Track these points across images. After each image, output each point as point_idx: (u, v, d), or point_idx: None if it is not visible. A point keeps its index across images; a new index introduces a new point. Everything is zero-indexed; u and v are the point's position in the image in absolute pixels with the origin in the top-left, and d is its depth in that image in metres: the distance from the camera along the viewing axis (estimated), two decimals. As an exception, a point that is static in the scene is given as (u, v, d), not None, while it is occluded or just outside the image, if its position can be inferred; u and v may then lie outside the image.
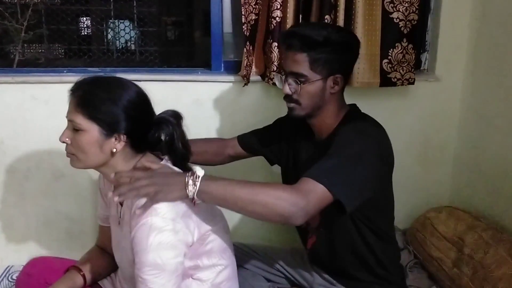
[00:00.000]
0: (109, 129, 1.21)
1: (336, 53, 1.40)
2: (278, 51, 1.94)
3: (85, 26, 2.78)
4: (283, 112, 1.81)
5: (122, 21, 2.68)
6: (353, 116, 1.50)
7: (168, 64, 2.56)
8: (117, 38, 2.68)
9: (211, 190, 1.16)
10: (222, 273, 1.32)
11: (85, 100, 1.20)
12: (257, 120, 2.03)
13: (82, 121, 1.20)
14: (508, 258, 1.61)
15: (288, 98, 1.46)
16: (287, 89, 1.43)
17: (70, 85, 1.94)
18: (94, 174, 2.06)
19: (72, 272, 1.46)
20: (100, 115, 1.20)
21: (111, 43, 2.75)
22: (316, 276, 1.64)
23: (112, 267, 1.54)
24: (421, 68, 2.20)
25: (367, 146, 1.35)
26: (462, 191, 2.19)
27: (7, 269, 2.14)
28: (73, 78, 1.96)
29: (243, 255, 1.73)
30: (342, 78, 1.44)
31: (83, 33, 2.86)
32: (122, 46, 2.72)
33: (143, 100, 1.27)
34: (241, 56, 2.05)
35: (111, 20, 2.70)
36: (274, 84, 1.97)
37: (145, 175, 1.16)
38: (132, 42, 2.73)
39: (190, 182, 1.14)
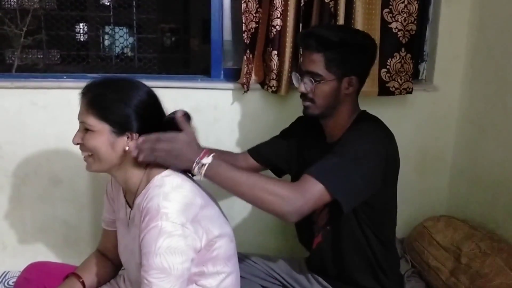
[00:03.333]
0: (121, 128, 1.22)
1: (351, 54, 1.43)
2: (278, 59, 1.95)
3: (83, 32, 2.79)
4: (282, 119, 1.84)
5: (121, 27, 2.69)
6: (363, 118, 1.52)
7: (166, 70, 2.57)
8: (117, 45, 2.68)
9: (215, 173, 1.25)
10: (226, 280, 1.32)
11: (96, 101, 1.22)
12: (256, 128, 2.07)
13: (94, 122, 1.21)
14: (506, 268, 1.62)
15: (303, 96, 1.49)
16: (302, 88, 1.47)
17: (69, 91, 2.01)
18: (92, 180, 2.10)
19: (71, 279, 1.46)
20: (111, 115, 1.21)
21: (108, 50, 2.76)
22: (314, 283, 1.64)
23: (112, 274, 1.54)
24: (419, 77, 2.22)
25: (372, 146, 1.38)
26: (459, 200, 2.20)
27: (4, 275, 2.12)
28: (72, 83, 2.04)
29: (240, 263, 1.72)
30: (357, 80, 1.47)
31: (81, 39, 2.87)
32: (120, 52, 2.73)
33: (153, 100, 1.29)
34: (240, 63, 2.06)
35: (110, 27, 2.71)
36: (273, 92, 1.99)
37: (167, 141, 1.21)
38: (128, 48, 2.73)
39: (196, 169, 1.23)
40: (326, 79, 1.43)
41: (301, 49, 1.51)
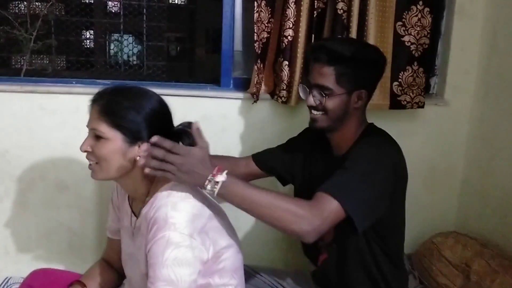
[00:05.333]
0: (133, 137, 1.21)
1: (362, 69, 1.42)
2: (289, 70, 1.94)
3: (92, 38, 2.79)
4: (291, 130, 1.82)
5: (130, 35, 2.69)
6: (371, 132, 1.51)
7: (175, 79, 2.56)
8: (125, 52, 2.68)
9: (230, 191, 1.20)
10: None
11: (109, 108, 1.21)
12: (264, 138, 2.05)
13: (106, 129, 1.19)
14: (517, 287, 1.59)
15: (312, 109, 1.47)
16: (311, 101, 1.44)
17: (78, 96, 2.01)
18: (98, 186, 2.08)
19: (75, 287, 1.43)
20: (124, 123, 1.20)
21: (116, 56, 2.75)
22: (321, 298, 1.62)
23: (117, 283, 1.52)
24: (430, 92, 2.21)
25: (382, 162, 1.36)
26: (468, 217, 2.17)
27: (6, 280, 2.09)
28: (81, 89, 2.04)
29: (246, 276, 1.70)
30: (366, 93, 1.46)
31: (89, 46, 2.87)
32: (128, 59, 2.73)
33: (164, 109, 1.28)
34: (250, 73, 2.05)
35: (118, 34, 2.71)
36: (283, 102, 1.98)
37: (179, 153, 1.16)
38: (135, 55, 2.73)
39: (209, 186, 1.18)
40: (336, 93, 1.41)
41: (311, 62, 1.48)
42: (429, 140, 2.17)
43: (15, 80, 2.11)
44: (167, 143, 1.16)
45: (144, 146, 1.21)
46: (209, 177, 1.18)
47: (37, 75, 2.45)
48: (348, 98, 1.43)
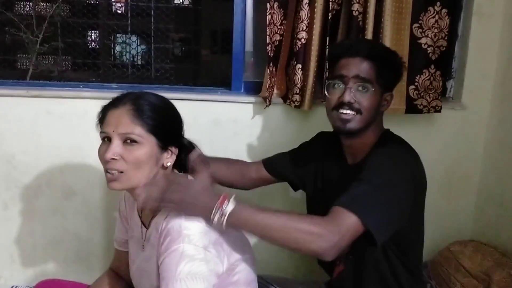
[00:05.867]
0: (165, 142, 1.19)
1: (392, 70, 1.39)
2: (302, 73, 1.89)
3: (98, 40, 2.75)
4: (304, 135, 1.77)
5: (137, 36, 2.65)
6: (388, 138, 1.44)
7: (182, 81, 2.51)
8: (133, 54, 2.63)
9: (240, 219, 1.13)
10: None
11: (142, 111, 1.17)
12: (276, 143, 2.00)
13: (142, 133, 1.16)
14: (541, 299, 1.53)
15: (346, 107, 1.35)
16: (348, 97, 1.33)
17: (86, 101, 1.97)
18: (106, 193, 2.05)
19: None
20: (158, 127, 1.17)
21: (124, 58, 2.71)
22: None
23: None
24: (446, 95, 2.15)
25: (400, 171, 1.30)
26: (485, 225, 2.11)
27: (12, 289, 2.07)
28: (89, 93, 2.00)
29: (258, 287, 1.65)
30: (391, 97, 1.42)
31: (96, 47, 2.83)
32: (136, 62, 2.68)
33: (180, 117, 1.28)
34: (260, 76, 2.01)
35: (125, 35, 2.67)
36: (296, 106, 1.93)
37: (177, 189, 1.12)
38: (139, 57, 2.69)
39: (216, 218, 1.11)
40: (375, 89, 1.34)
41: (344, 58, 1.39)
42: (445, 145, 2.11)
43: (21, 84, 2.09)
44: (161, 183, 1.13)
45: (175, 151, 1.22)
46: (214, 208, 1.11)
47: (43, 77, 2.40)
48: (380, 99, 1.38)
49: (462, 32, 2.08)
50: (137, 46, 2.58)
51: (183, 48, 2.93)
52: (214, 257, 1.12)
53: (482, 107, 2.08)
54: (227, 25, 2.06)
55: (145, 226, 1.29)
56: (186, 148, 1.27)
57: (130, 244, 1.38)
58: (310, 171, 1.61)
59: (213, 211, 1.11)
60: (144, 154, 1.16)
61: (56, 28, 2.46)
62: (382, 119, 1.47)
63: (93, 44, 2.83)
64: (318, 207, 1.26)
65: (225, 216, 1.11)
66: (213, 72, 2.80)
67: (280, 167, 1.67)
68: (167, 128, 1.20)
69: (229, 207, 1.12)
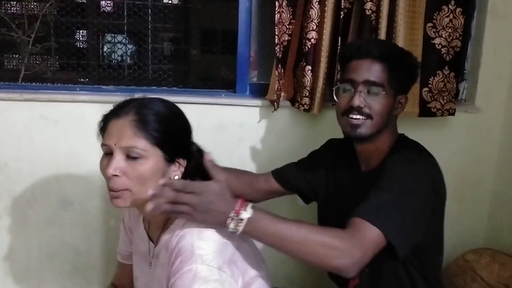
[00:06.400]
0: (172, 155, 1.11)
1: (407, 72, 1.34)
2: (312, 75, 1.81)
3: (92, 40, 2.66)
4: (313, 140, 1.73)
5: (130, 36, 2.56)
6: (404, 144, 1.38)
7: (179, 82, 2.43)
8: (129, 54, 2.54)
9: (257, 228, 1.06)
10: None
11: (146, 123, 1.07)
12: (284, 148, 1.95)
13: (147, 146, 1.06)
14: None
15: (356, 111, 1.31)
16: (358, 101, 1.29)
17: (82, 104, 1.87)
18: (105, 202, 1.97)
19: None
20: (164, 139, 1.09)
21: (119, 60, 2.61)
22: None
23: None
24: (459, 97, 2.08)
25: (422, 179, 1.25)
26: (499, 231, 2.05)
27: (4, 305, 1.98)
28: (86, 97, 1.90)
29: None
30: (405, 100, 1.37)
31: (87, 48, 2.74)
32: (137, 63, 2.59)
33: (188, 124, 1.18)
34: (264, 78, 1.94)
35: (123, 35, 2.57)
36: (305, 110, 1.85)
37: (194, 192, 1.03)
38: (135, 59, 2.59)
39: (232, 225, 1.04)
40: (387, 92, 1.30)
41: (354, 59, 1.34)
42: (458, 149, 2.05)
43: (14, 87, 2.00)
44: (178, 184, 1.03)
45: (183, 163, 1.13)
46: (231, 214, 1.04)
47: (36, 79, 2.31)
48: (393, 102, 1.33)
49: (475, 32, 2.01)
50: (132, 46, 2.48)
51: (175, 48, 2.83)
52: (228, 278, 1.04)
53: (496, 109, 2.02)
54: (228, 25, 1.98)
55: (152, 241, 1.21)
56: (195, 156, 1.18)
57: (135, 258, 1.32)
58: (321, 180, 1.56)
59: (229, 218, 1.04)
60: (148, 169, 1.07)
61: (49, 28, 2.37)
62: (396, 123, 1.41)
63: (81, 44, 2.73)
64: (330, 216, 1.22)
65: (241, 223, 1.04)
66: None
67: (290, 177, 1.61)
68: (174, 139, 1.11)
69: (247, 214, 1.05)
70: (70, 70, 2.50)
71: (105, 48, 2.65)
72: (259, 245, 1.19)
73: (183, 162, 1.13)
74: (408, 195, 1.20)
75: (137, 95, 1.18)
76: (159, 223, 1.17)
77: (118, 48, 2.63)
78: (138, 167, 1.06)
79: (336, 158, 1.52)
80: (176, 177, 1.11)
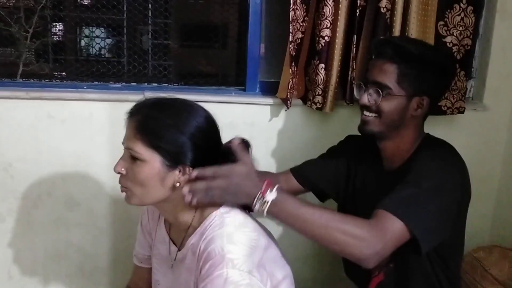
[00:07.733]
0: (173, 160, 1.07)
1: (428, 73, 1.33)
2: (325, 73, 1.80)
3: (94, 36, 2.59)
4: (325, 139, 1.73)
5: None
6: (432, 143, 1.41)
7: (184, 80, 2.39)
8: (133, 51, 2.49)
9: (282, 210, 1.10)
10: None
11: (146, 125, 1.07)
12: (296, 147, 1.93)
13: (142, 150, 1.05)
14: None
15: (365, 109, 1.37)
16: (365, 99, 1.35)
17: (90, 103, 1.83)
18: (112, 203, 1.94)
19: None
20: (163, 143, 1.06)
21: (122, 56, 2.56)
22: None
23: None
24: (467, 96, 2.08)
25: (451, 177, 1.26)
26: (504, 228, 2.08)
27: (9, 308, 1.94)
28: (94, 95, 1.85)
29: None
30: (428, 101, 1.36)
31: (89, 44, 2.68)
32: (132, 59, 2.54)
33: (212, 126, 1.14)
34: (275, 76, 1.91)
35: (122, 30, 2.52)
36: (318, 108, 1.83)
37: (222, 176, 1.05)
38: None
39: (257, 205, 1.08)
40: (394, 93, 1.31)
41: (373, 57, 1.39)
42: (465, 147, 2.00)
43: (20, 85, 1.93)
44: (208, 172, 1.05)
45: (187, 170, 1.08)
46: (257, 195, 1.07)
47: (35, 76, 2.25)
48: (407, 103, 1.33)
49: (484, 31, 2.03)
50: (141, 42, 2.44)
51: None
52: (258, 282, 1.04)
53: (504, 108, 2.04)
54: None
55: (175, 244, 1.20)
56: (227, 155, 1.13)
57: (155, 261, 1.29)
58: (342, 178, 1.57)
59: (255, 199, 1.07)
60: (142, 173, 1.06)
61: (47, 22, 2.31)
62: (422, 124, 1.42)
63: (85, 40, 2.67)
64: (350, 212, 1.21)
65: (266, 204, 1.07)
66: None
67: (311, 175, 1.60)
68: (176, 143, 1.06)
69: (272, 195, 1.08)
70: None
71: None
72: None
73: (188, 170, 1.07)
74: (435, 192, 1.21)
75: (164, 95, 1.16)
76: (182, 226, 1.15)
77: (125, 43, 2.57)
78: (135, 169, 1.07)
79: (356, 155, 1.54)
80: (178, 184, 1.08)
